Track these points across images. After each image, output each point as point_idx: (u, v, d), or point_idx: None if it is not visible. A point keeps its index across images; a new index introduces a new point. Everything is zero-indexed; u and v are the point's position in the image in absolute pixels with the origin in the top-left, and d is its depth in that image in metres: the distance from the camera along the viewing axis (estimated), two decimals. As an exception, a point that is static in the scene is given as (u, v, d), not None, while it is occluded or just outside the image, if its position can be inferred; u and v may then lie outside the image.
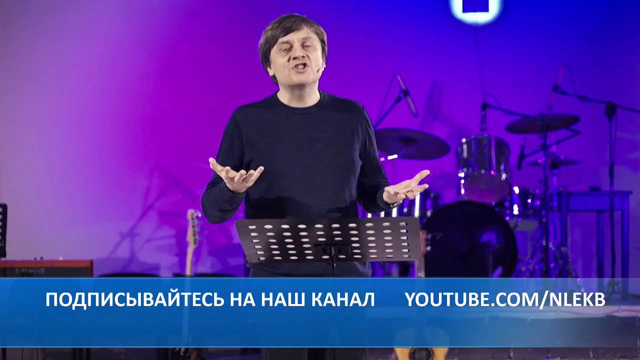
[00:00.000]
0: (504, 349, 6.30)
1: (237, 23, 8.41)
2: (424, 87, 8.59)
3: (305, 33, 3.50)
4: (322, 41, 3.55)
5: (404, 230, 3.19)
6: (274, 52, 3.52)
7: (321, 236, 3.20)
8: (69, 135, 8.33)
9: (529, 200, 7.75)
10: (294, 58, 3.47)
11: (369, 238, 3.21)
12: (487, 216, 7.49)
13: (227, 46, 8.43)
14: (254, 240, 3.23)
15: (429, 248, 6.44)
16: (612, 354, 6.29)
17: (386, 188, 3.44)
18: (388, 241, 3.23)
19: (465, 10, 8.58)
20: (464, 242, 7.45)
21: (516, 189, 7.77)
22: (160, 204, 8.37)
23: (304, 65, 3.47)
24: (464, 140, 7.82)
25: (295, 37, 3.49)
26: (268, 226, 3.19)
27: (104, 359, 6.86)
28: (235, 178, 3.30)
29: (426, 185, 3.35)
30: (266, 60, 3.56)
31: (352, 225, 3.17)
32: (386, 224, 3.17)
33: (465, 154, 7.76)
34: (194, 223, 6.53)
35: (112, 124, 8.38)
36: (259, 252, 3.28)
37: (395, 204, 3.48)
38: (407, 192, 3.34)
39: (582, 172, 8.33)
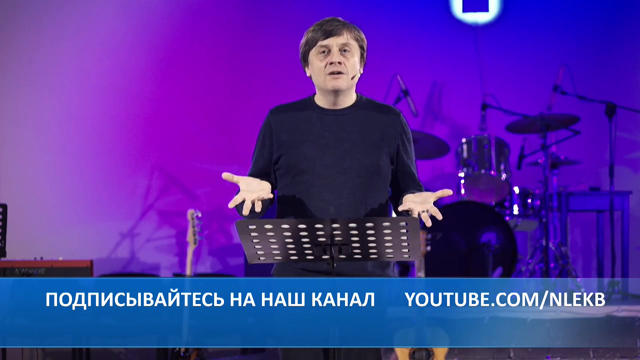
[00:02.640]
0: (504, 349, 6.30)
1: (237, 23, 8.41)
2: (424, 87, 8.59)
3: (344, 39, 3.52)
4: (361, 47, 3.57)
5: (404, 230, 3.19)
6: (312, 54, 3.53)
7: (321, 236, 3.20)
8: (69, 135, 8.33)
9: (529, 200, 7.75)
10: (331, 63, 3.49)
11: (369, 238, 3.21)
12: (487, 216, 7.48)
13: (227, 46, 8.43)
14: (254, 240, 3.23)
15: (429, 248, 6.43)
16: (612, 354, 6.29)
17: (404, 197, 3.42)
18: (388, 241, 3.23)
19: (465, 10, 8.58)
20: (464, 242, 7.45)
21: (516, 189, 7.77)
22: (160, 204, 8.36)
23: (339, 72, 3.49)
24: (464, 140, 7.81)
25: (334, 42, 3.51)
26: (268, 226, 3.18)
27: (104, 359, 6.86)
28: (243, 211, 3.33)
29: (440, 216, 3.28)
30: (305, 61, 3.57)
31: (352, 225, 3.17)
32: (386, 224, 3.16)
33: (465, 154, 7.76)
34: (194, 223, 6.52)
35: (112, 124, 8.37)
36: (259, 252, 3.28)
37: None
38: (422, 211, 3.29)
39: (582, 172, 8.33)
